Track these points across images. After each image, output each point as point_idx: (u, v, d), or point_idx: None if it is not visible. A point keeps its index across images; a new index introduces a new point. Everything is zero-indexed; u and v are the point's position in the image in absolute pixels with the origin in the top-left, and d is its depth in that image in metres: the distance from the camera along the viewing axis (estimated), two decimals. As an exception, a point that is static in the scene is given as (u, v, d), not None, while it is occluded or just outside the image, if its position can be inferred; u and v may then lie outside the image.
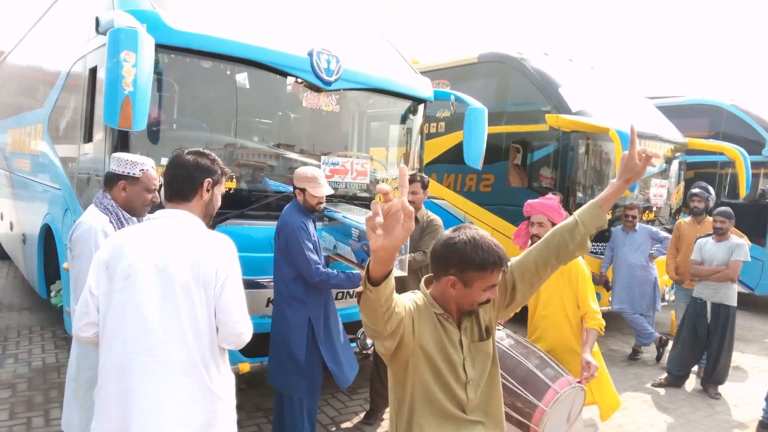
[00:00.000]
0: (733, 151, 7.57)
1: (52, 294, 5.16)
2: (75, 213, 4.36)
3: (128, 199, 2.67)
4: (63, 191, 4.64)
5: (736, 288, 5.07)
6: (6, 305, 6.57)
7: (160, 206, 2.07)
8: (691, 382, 5.43)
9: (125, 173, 2.67)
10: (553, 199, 3.33)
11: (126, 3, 3.63)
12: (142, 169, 2.70)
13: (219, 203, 2.12)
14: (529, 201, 3.43)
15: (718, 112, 9.36)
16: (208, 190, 2.03)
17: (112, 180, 2.68)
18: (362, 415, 4.15)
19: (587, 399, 3.28)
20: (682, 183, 8.10)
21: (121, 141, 3.55)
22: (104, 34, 3.41)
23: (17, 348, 5.18)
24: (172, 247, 1.87)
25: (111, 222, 2.53)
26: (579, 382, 2.94)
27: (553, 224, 3.04)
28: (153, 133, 3.67)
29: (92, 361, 2.53)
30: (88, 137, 4.08)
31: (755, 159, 8.75)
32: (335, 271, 3.34)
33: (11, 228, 6.99)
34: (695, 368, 5.47)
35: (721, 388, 5.18)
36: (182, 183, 1.99)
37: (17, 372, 4.62)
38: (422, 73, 5.22)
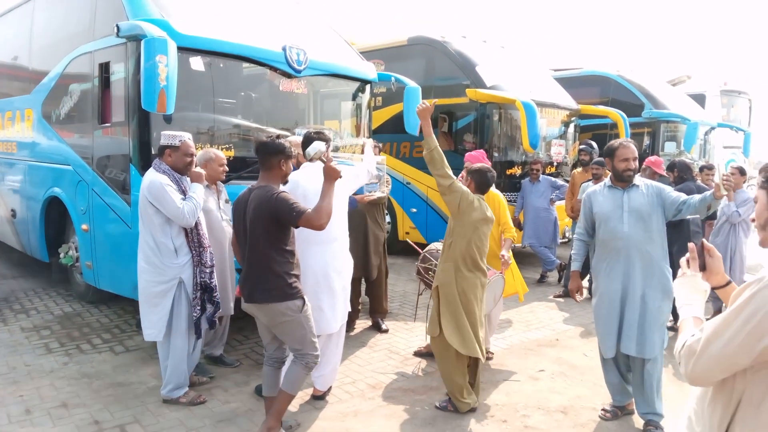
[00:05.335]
0: (614, 114, 9.29)
1: (61, 255, 6.01)
2: (91, 183, 5.26)
3: (173, 162, 3.73)
4: (74, 167, 5.49)
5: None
6: (-1, 275, 7.28)
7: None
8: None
9: (169, 144, 3.73)
10: (482, 152, 4.78)
11: (138, 12, 4.58)
12: (181, 140, 3.77)
13: None
14: (471, 154, 4.80)
15: (606, 82, 11.11)
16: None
17: (161, 150, 3.74)
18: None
19: (510, 290, 4.71)
20: (577, 143, 9.75)
21: (143, 121, 4.56)
22: (127, 39, 4.41)
23: (33, 304, 6.01)
24: (318, 181, 3.37)
25: (170, 180, 3.61)
26: (500, 273, 4.33)
27: None
28: (167, 114, 4.67)
29: (165, 277, 3.65)
30: (103, 120, 5.00)
31: (637, 120, 10.57)
32: None
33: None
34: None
35: (603, 295, 6.85)
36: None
37: (45, 318, 5.53)
38: (359, 53, 6.40)
